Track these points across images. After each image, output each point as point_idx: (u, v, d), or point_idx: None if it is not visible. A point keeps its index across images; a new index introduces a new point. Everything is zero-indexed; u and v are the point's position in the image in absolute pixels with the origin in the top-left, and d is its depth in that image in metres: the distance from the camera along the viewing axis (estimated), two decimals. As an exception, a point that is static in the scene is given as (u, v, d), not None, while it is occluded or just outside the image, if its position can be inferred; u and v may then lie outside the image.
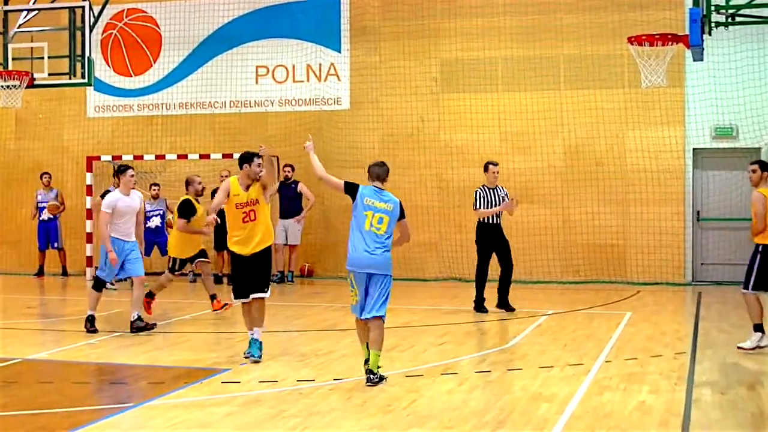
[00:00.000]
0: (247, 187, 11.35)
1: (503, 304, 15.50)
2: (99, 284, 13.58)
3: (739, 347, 11.74)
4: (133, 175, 13.55)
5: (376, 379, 9.84)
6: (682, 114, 19.68)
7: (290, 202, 20.23)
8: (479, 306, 15.51)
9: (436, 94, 20.96)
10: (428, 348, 12.26)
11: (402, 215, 10.24)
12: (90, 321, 13.44)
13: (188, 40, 22.41)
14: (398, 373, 10.50)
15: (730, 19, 14.85)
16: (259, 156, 11.36)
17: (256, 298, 11.40)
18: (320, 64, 21.68)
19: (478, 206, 15.45)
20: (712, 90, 19.43)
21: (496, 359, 11.47)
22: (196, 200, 15.36)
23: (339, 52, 21.57)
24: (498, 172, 15.73)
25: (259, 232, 11.37)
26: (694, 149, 19.77)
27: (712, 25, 14.41)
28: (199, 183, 15.50)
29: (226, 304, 14.97)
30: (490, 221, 15.53)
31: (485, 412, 8.76)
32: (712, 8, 14.16)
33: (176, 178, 20.33)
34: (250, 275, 11.36)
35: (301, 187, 20.22)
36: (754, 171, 11.90)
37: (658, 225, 19.75)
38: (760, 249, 11.82)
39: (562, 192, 20.11)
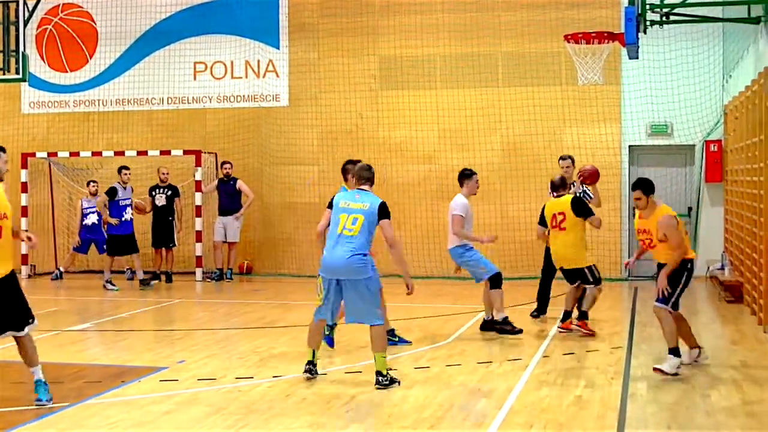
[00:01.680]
0: None
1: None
2: (497, 281, 12.93)
3: (656, 369, 10.28)
4: (477, 180, 13.24)
5: (386, 382, 9.59)
6: (618, 111, 19.90)
7: (229, 199, 20.10)
8: (538, 311, 14.47)
9: (374, 91, 20.96)
10: (367, 344, 12.23)
11: (383, 216, 9.88)
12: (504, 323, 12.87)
13: (125, 35, 22.16)
14: (337, 369, 10.51)
15: (664, 18, 15.05)
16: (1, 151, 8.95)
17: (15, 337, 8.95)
18: (259, 61, 21.58)
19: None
20: (648, 88, 19.68)
21: (435, 355, 11.52)
22: None
23: (278, 48, 21.48)
24: (569, 167, 14.35)
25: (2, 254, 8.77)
26: (629, 146, 20.00)
27: (647, 23, 14.61)
28: None
29: (588, 328, 12.85)
30: None
31: (424, 408, 8.79)
32: (647, 7, 14.33)
33: (113, 175, 20.09)
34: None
35: (240, 184, 20.12)
36: (638, 198, 10.52)
37: (595, 221, 19.91)
38: (688, 265, 10.54)
39: (500, 189, 20.19)
